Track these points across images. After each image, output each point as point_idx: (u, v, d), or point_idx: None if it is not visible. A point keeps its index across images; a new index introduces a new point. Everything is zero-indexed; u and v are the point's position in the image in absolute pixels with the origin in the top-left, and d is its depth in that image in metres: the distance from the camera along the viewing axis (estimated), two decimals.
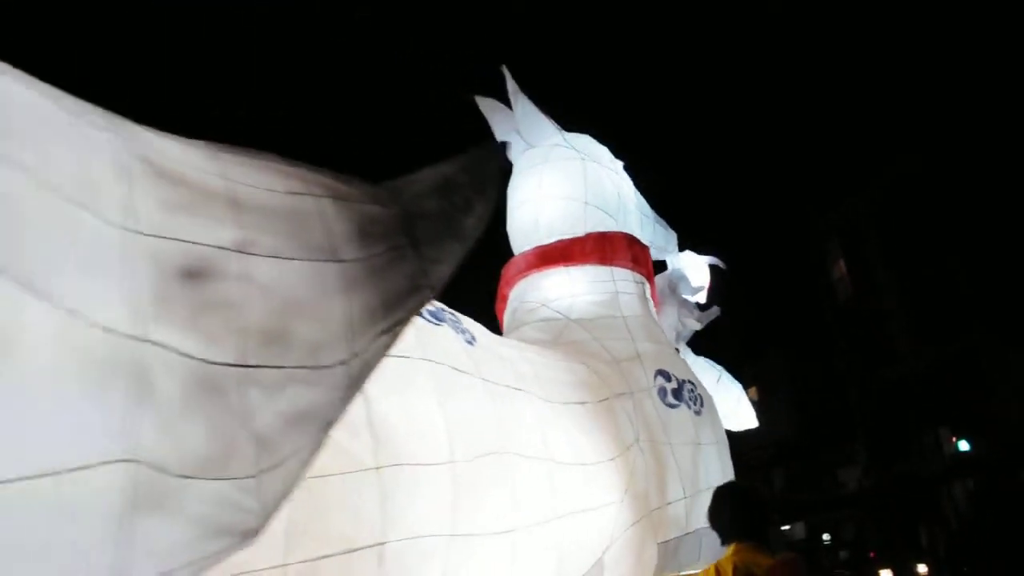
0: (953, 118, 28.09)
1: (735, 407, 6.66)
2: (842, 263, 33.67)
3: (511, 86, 4.44)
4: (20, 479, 1.15)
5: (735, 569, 3.23)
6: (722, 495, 3.62)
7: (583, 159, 4.86)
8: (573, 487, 3.46)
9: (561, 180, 4.72)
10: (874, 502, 29.49)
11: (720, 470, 4.70)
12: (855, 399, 31.97)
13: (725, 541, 3.45)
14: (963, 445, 26.56)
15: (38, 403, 1.17)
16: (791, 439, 32.19)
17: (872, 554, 24.27)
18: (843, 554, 25.07)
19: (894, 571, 22.18)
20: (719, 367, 7.14)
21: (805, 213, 34.96)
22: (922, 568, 22.54)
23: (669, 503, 4.11)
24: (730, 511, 3.49)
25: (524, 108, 4.62)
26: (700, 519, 4.18)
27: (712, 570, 3.38)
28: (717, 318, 7.57)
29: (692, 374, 5.06)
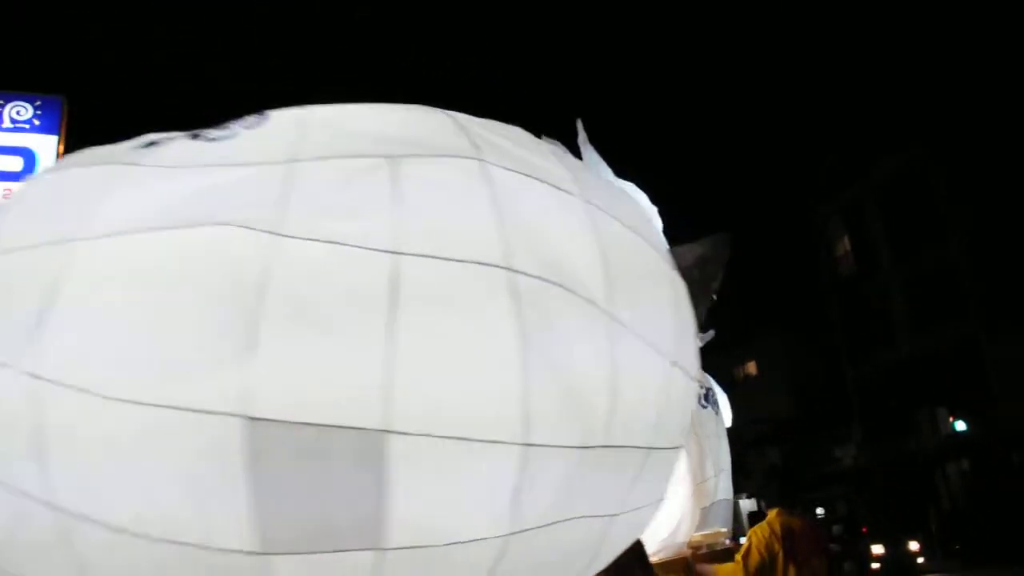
0: (964, 105, 28.05)
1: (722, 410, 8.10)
2: (845, 243, 33.77)
3: (582, 137, 5.11)
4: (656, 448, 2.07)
5: (781, 526, 4.48)
6: (772, 472, 4.76)
7: (627, 197, 5.67)
8: (677, 464, 4.41)
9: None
10: (868, 479, 29.85)
11: (728, 458, 5.70)
12: (852, 377, 32.23)
13: (770, 505, 4.70)
14: (960, 425, 26.82)
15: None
16: (788, 415, 32.51)
17: (864, 529, 24.58)
18: (836, 528, 25.36)
19: (886, 546, 22.49)
20: (710, 377, 8.54)
21: (810, 193, 34.99)
22: (913, 544, 22.84)
23: (706, 479, 5.18)
24: (778, 485, 4.86)
25: (591, 158, 5.35)
26: (719, 493, 5.32)
27: (765, 526, 4.54)
28: (719, 295, 8.58)
29: (710, 381, 5.99)
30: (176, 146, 1.88)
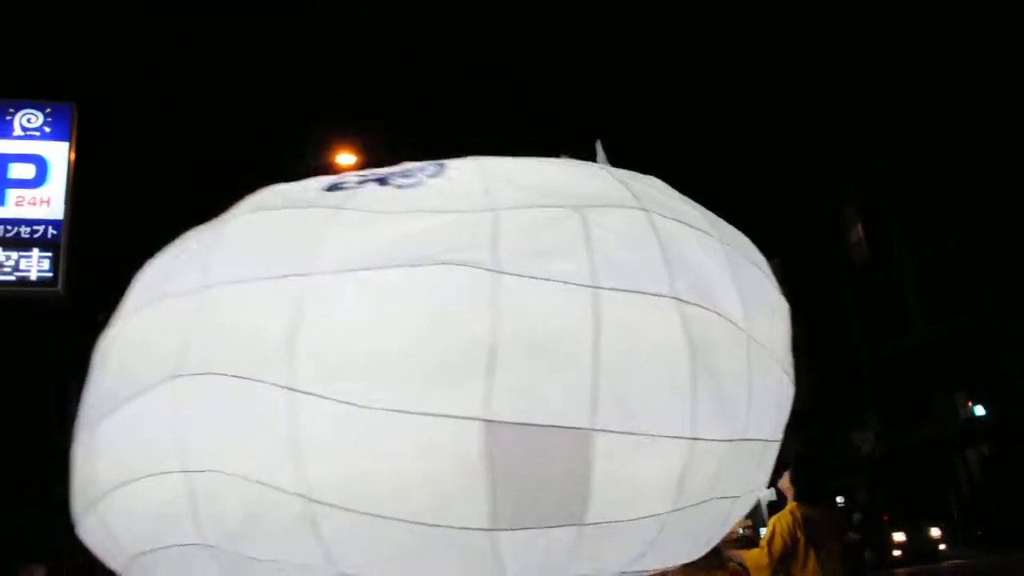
0: (982, 91, 27.84)
1: None
2: (859, 231, 33.59)
3: (600, 157, 5.33)
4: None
5: (802, 514, 4.81)
6: (801, 465, 5.19)
7: None
8: None
9: None
10: (888, 466, 29.70)
11: None
12: (869, 366, 32.06)
13: (792, 499, 5.03)
14: (979, 410, 26.63)
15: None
16: (806, 406, 32.35)
17: (885, 517, 24.46)
18: (856, 517, 25.28)
19: (906, 533, 22.36)
20: None
21: (823, 182, 34.78)
22: (935, 531, 22.70)
23: None
24: (801, 480, 5.07)
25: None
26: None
27: (788, 515, 4.83)
28: None
29: None
30: (369, 191, 2.30)
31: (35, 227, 10.63)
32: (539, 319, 1.99)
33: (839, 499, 30.13)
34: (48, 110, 11.26)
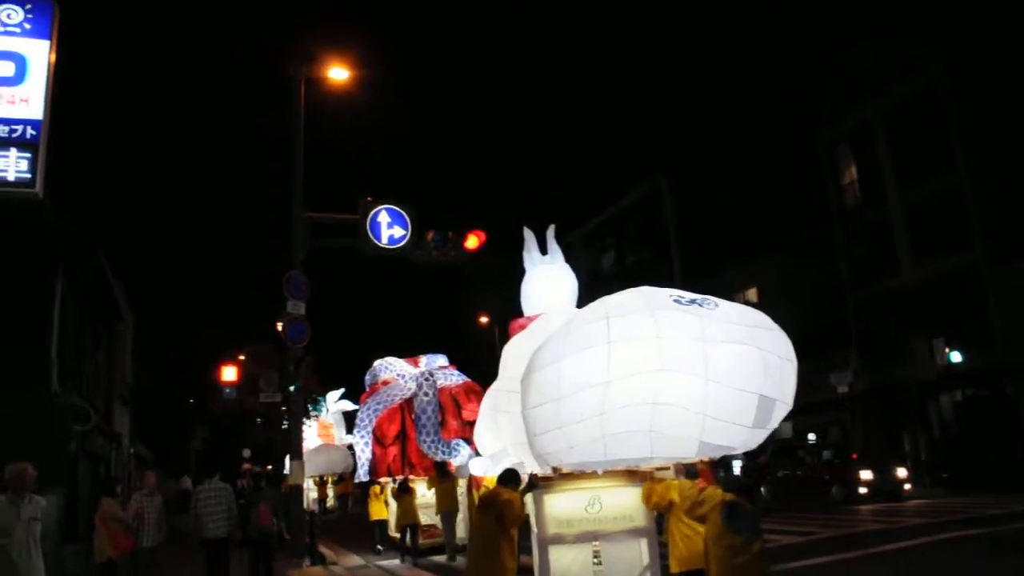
0: (980, 28, 27.33)
1: None
2: (852, 169, 33.33)
3: (550, 233, 8.53)
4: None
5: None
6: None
7: (570, 274, 9.02)
8: None
9: (567, 280, 8.99)
10: (863, 406, 30.12)
11: None
12: (853, 304, 32.24)
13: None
14: (955, 356, 26.88)
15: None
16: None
17: (855, 456, 24.96)
18: (826, 454, 25.77)
19: (874, 472, 22.82)
20: None
21: (818, 118, 34.35)
22: (902, 471, 23.18)
23: None
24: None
25: (553, 244, 8.78)
26: None
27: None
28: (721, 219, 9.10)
29: None
30: (700, 308, 5.73)
31: (13, 127, 10.35)
32: (773, 364, 5.56)
33: (811, 436, 30.64)
34: (28, 6, 10.84)
